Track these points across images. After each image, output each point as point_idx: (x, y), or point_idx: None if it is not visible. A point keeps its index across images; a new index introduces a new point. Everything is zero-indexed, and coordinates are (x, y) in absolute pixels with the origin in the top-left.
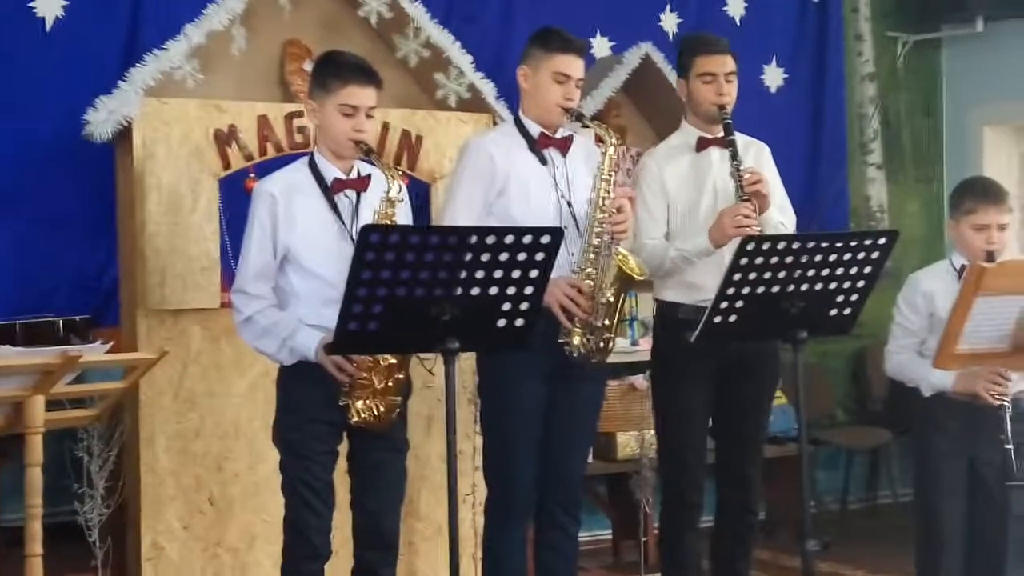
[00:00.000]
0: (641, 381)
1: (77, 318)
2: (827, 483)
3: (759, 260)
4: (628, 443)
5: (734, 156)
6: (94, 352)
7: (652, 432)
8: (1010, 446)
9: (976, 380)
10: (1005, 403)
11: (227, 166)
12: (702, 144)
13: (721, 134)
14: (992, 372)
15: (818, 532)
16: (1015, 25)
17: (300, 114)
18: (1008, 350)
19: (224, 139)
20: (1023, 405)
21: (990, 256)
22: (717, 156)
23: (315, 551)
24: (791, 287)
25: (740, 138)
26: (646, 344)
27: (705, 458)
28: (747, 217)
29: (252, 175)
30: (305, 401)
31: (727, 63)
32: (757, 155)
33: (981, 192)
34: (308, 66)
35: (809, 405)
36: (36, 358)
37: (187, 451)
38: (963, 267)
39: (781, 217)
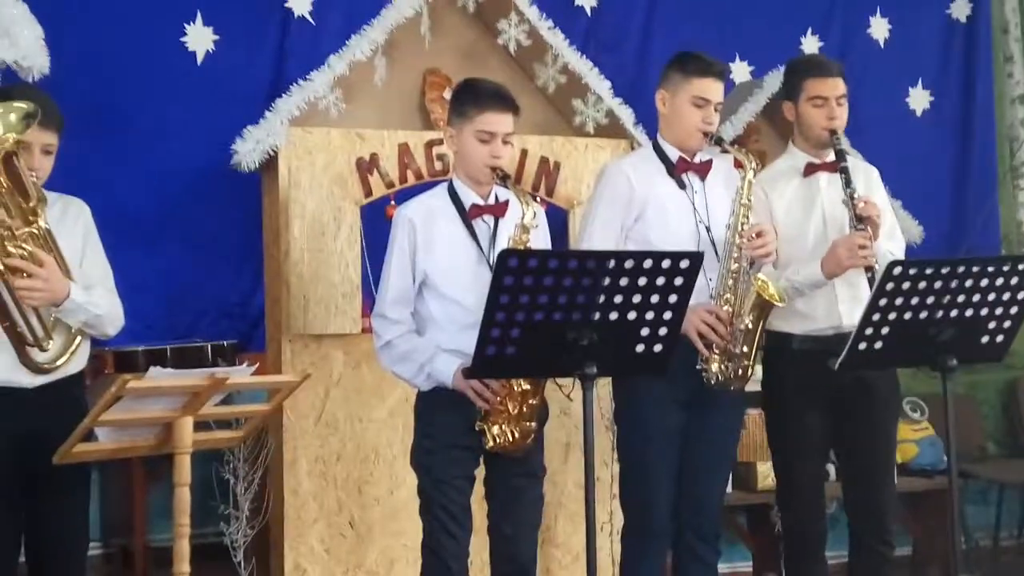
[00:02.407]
0: None
1: (224, 343)
2: (978, 518)
3: (906, 285)
4: (768, 473)
5: (848, 183)
6: (240, 374)
7: None
8: None
9: None
10: None
11: (368, 193)
12: (810, 169)
13: (830, 158)
14: None
15: (968, 568)
16: None
17: (440, 142)
18: None
19: (366, 167)
20: None
21: None
22: (825, 181)
23: (451, 574)
24: (940, 313)
25: (851, 162)
26: None
27: (823, 489)
28: (862, 248)
29: (392, 202)
30: (442, 426)
31: (838, 86)
32: (866, 179)
33: None
34: (447, 94)
35: (958, 437)
36: (185, 379)
37: (329, 475)
38: None
39: (889, 245)
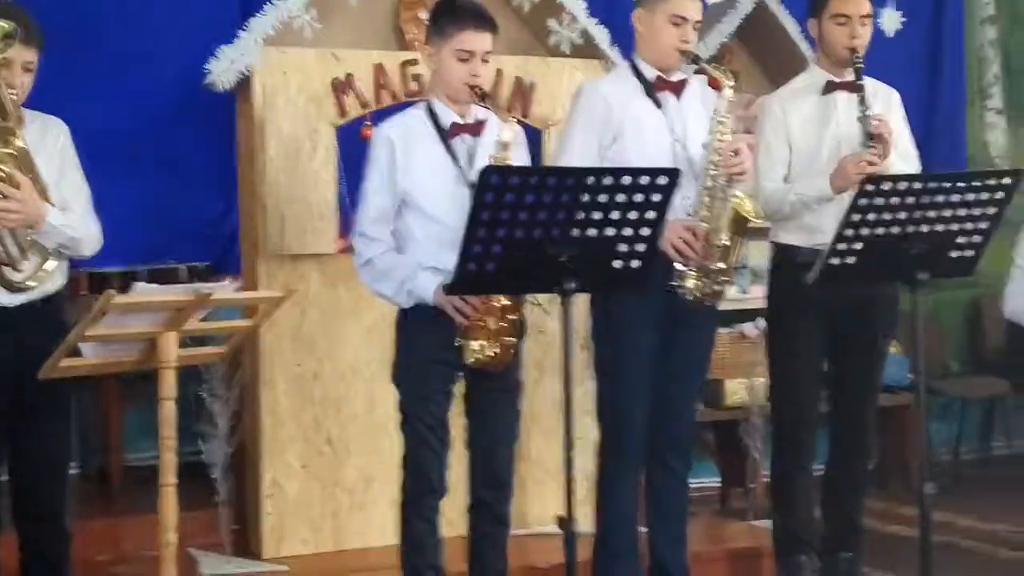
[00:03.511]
0: (751, 329)
1: (199, 264)
2: (940, 433)
3: (879, 201)
4: (737, 391)
5: (862, 101)
6: (224, 291)
7: (761, 380)
8: None
9: None
10: None
11: (343, 114)
12: (830, 87)
13: (850, 78)
14: None
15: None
16: None
17: (415, 62)
18: None
19: (341, 88)
20: None
21: None
22: (844, 100)
23: (432, 487)
24: (911, 228)
25: (869, 83)
26: (756, 292)
27: (819, 401)
28: (871, 164)
29: (368, 123)
30: (423, 342)
31: (863, 5)
32: (886, 101)
33: None
34: (423, 14)
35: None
36: (170, 295)
37: (306, 393)
38: None
39: (903, 165)
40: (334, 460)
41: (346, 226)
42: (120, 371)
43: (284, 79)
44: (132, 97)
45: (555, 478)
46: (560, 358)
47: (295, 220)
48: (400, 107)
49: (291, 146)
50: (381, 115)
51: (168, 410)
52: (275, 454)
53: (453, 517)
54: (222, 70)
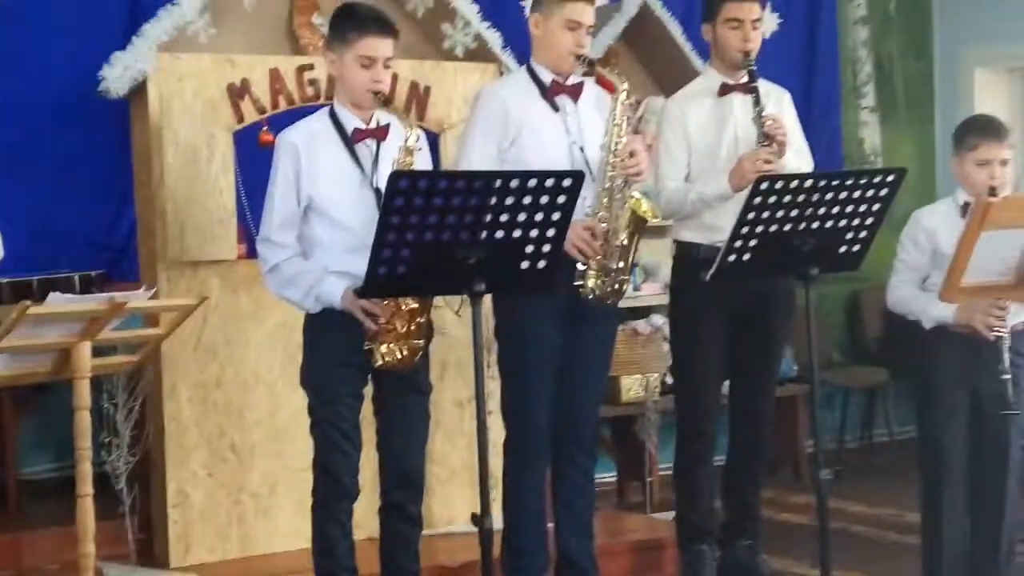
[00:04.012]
0: (644, 326)
1: (92, 273)
2: (825, 423)
3: (772, 199)
4: (632, 386)
5: (757, 102)
6: (138, 299)
7: (655, 376)
8: (1008, 376)
9: (974, 313)
10: (1003, 335)
11: (240, 119)
12: (725, 89)
13: (744, 80)
14: (990, 305)
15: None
16: None
17: (311, 67)
18: (1012, 282)
19: (237, 93)
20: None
21: (993, 191)
22: (739, 101)
23: (344, 491)
24: (803, 225)
25: (762, 84)
26: (648, 289)
27: (720, 393)
28: (767, 162)
29: (266, 128)
30: (332, 346)
31: (754, 10)
32: (778, 101)
33: (984, 129)
34: (316, 19)
35: (807, 346)
36: (84, 305)
37: (209, 400)
38: (966, 204)
39: (799, 162)
40: (239, 466)
41: (245, 231)
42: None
43: (180, 85)
44: (17, 102)
45: (458, 478)
46: (462, 358)
47: (195, 226)
48: (298, 112)
49: (188, 152)
50: (278, 120)
51: (83, 420)
52: (179, 462)
53: (362, 519)
54: (116, 77)
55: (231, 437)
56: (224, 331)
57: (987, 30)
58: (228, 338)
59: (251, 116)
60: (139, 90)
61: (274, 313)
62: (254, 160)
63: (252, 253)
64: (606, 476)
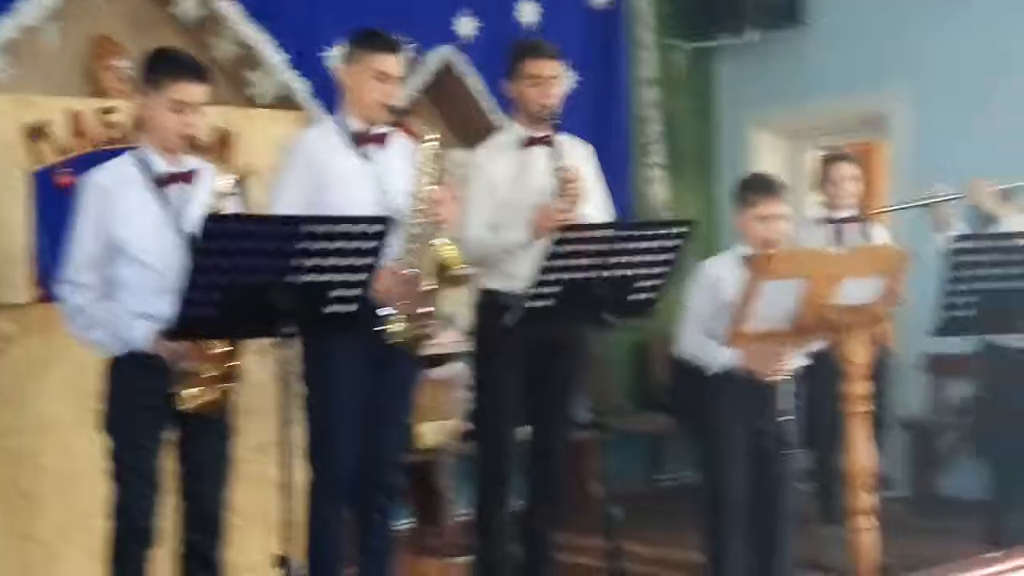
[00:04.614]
0: (440, 373)
1: None
2: (611, 467)
3: (570, 248)
4: (427, 433)
5: (556, 155)
6: None
7: (452, 422)
8: (789, 418)
9: (758, 357)
10: (784, 378)
11: (39, 160)
12: (528, 142)
13: (546, 134)
14: (772, 350)
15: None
16: (784, 35)
17: (112, 110)
18: (790, 329)
19: (35, 134)
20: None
21: (771, 244)
22: (542, 153)
23: (142, 536)
24: (598, 273)
25: (565, 138)
26: (444, 338)
27: (516, 437)
28: (564, 212)
29: (67, 170)
30: (133, 389)
31: (553, 67)
32: (581, 154)
33: (762, 186)
34: (117, 61)
35: (594, 393)
36: None
37: (0, 447)
38: (748, 256)
39: (598, 215)
40: (29, 513)
41: (42, 273)
42: None
43: None
44: None
45: (256, 524)
46: (262, 401)
47: None
48: (100, 154)
49: None
50: (80, 162)
51: None
52: None
53: (159, 566)
54: None
55: (21, 484)
56: (16, 376)
57: (766, 94)
58: (20, 384)
59: (51, 157)
60: None
61: (68, 357)
62: (53, 201)
63: (48, 296)
64: (403, 523)
